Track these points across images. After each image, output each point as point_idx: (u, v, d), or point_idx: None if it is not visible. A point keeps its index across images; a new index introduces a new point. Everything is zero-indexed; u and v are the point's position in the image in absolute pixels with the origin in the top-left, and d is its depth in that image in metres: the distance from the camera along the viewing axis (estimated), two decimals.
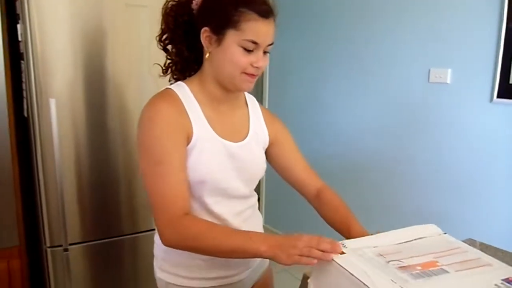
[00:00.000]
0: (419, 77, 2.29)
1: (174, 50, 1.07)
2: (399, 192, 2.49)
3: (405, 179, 2.44)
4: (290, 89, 3.28)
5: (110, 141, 1.82)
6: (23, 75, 1.75)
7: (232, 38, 0.94)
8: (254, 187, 1.12)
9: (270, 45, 0.99)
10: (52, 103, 1.65)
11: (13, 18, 1.71)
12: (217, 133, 1.01)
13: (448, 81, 2.14)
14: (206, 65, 1.02)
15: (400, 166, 2.46)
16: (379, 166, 2.59)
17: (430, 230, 0.90)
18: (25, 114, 1.78)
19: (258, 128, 1.12)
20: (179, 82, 1.04)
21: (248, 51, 0.95)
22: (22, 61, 1.73)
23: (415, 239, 0.86)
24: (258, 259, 1.17)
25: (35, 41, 1.61)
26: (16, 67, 1.79)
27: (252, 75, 0.98)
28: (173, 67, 1.09)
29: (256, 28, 0.94)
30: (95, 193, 1.83)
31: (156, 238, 1.11)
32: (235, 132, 1.05)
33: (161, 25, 1.06)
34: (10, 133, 1.73)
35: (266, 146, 1.15)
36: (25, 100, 1.77)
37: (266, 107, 3.52)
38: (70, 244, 1.79)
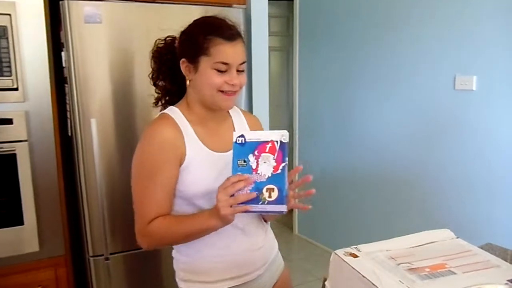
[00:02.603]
0: (445, 85, 2.29)
1: (163, 84, 1.22)
2: (425, 198, 2.48)
3: (432, 186, 2.43)
4: (319, 99, 3.33)
5: None
6: (67, 97, 1.85)
7: (205, 63, 1.06)
8: None
9: (242, 63, 1.10)
10: (93, 122, 1.76)
11: (57, 46, 1.83)
12: (209, 148, 1.12)
13: (474, 88, 2.14)
14: (190, 91, 1.15)
15: (426, 172, 2.46)
16: (405, 173, 2.59)
17: (443, 234, 0.94)
18: (69, 133, 1.88)
19: None
20: (171, 107, 1.17)
21: (221, 72, 1.06)
22: (66, 85, 1.84)
23: (427, 243, 0.89)
24: (271, 257, 1.26)
25: (77, 67, 1.73)
26: (60, 91, 1.89)
27: (229, 93, 1.09)
28: (162, 100, 1.24)
29: (224, 51, 1.05)
30: (132, 206, 1.92)
31: (174, 252, 1.22)
32: (225, 143, 1.14)
33: (151, 65, 1.21)
34: (56, 151, 1.81)
35: None
36: (69, 121, 1.87)
37: (297, 116, 3.59)
38: (111, 254, 1.87)
